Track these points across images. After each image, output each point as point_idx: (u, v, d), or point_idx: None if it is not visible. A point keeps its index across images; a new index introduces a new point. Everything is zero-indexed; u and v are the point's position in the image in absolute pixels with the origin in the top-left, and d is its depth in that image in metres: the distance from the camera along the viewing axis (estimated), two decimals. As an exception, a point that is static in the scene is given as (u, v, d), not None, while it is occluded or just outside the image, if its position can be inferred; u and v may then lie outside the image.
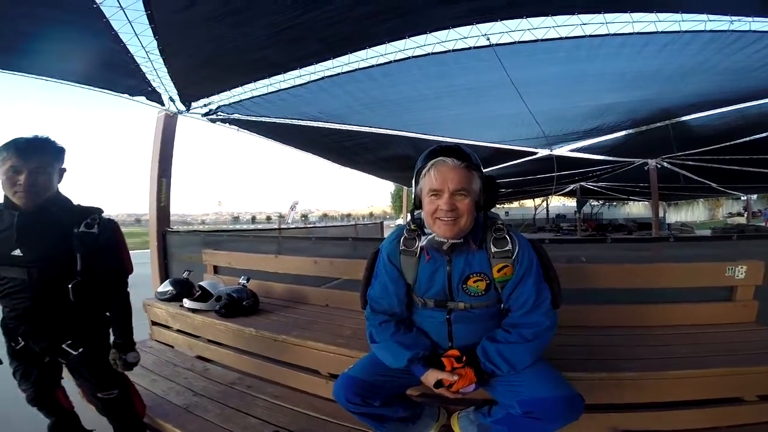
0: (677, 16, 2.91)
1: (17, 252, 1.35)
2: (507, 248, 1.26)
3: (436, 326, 1.34)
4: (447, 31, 3.13)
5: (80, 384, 1.59)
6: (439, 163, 1.21)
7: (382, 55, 3.53)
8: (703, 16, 2.91)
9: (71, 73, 3.78)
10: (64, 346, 1.47)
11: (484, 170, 1.27)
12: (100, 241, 1.45)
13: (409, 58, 3.52)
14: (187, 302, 2.54)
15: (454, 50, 3.37)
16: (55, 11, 2.82)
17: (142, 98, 4.24)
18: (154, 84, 4.02)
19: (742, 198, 20.26)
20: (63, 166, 1.47)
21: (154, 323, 2.87)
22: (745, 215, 21.70)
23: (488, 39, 3.18)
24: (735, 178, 10.14)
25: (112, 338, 1.56)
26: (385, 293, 1.38)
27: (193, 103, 4.57)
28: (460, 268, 1.27)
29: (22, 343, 1.46)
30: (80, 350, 1.48)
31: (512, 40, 3.22)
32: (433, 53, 3.42)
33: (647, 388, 1.46)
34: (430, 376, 1.24)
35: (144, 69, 3.71)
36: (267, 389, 2.01)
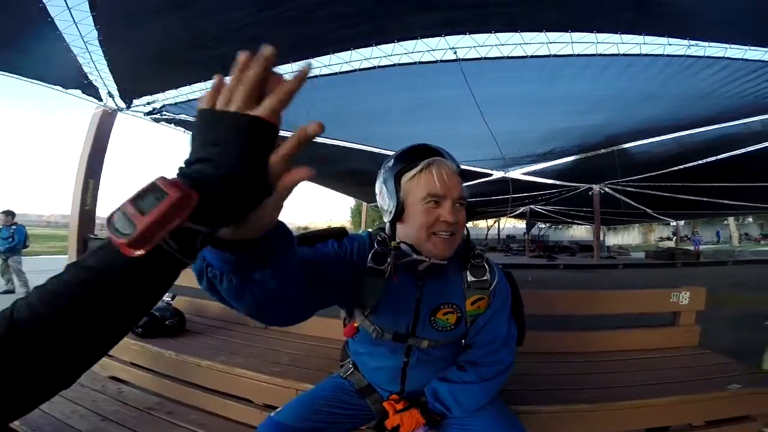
0: (639, 39, 3.04)
1: None
2: (485, 278, 1.06)
3: (388, 369, 1.13)
4: (415, 41, 3.09)
5: None
6: (439, 162, 0.96)
7: (346, 62, 3.44)
8: (664, 40, 3.07)
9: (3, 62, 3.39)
10: None
11: None
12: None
13: (374, 67, 3.44)
14: (100, 320, 2.21)
15: (421, 62, 3.34)
16: None
17: (78, 92, 3.89)
18: (91, 77, 3.69)
19: (672, 224, 22.33)
20: None
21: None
22: (674, 240, 23.94)
23: (455, 53, 3.18)
24: (666, 205, 11.12)
25: None
26: (316, 254, 0.94)
27: (135, 101, 4.22)
28: (433, 296, 1.04)
29: None
30: None
31: (479, 56, 3.24)
32: (399, 64, 3.37)
33: (601, 419, 1.41)
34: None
35: (81, 60, 3.41)
36: (191, 416, 1.74)
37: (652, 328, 1.97)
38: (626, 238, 38.12)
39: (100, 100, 4.01)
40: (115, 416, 1.72)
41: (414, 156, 0.99)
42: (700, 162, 6.52)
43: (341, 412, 1.14)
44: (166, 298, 2.30)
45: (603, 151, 6.17)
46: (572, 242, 25.90)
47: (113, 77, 3.72)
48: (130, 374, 2.11)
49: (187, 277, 1.78)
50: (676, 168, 6.89)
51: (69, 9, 2.71)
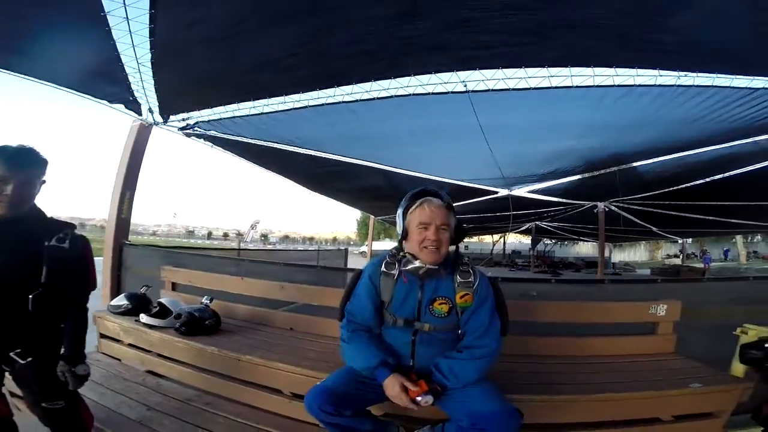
0: (632, 71, 3.34)
1: None
2: (470, 279, 1.51)
3: (402, 345, 1.52)
4: (429, 75, 3.43)
5: (24, 393, 1.54)
6: (428, 200, 1.49)
7: (366, 92, 3.76)
8: (655, 72, 3.36)
9: (56, 76, 3.71)
10: (11, 354, 1.44)
11: None
12: (69, 257, 1.46)
13: (392, 96, 3.77)
14: (144, 317, 2.48)
15: (434, 93, 3.67)
16: (59, 15, 2.81)
17: (121, 106, 4.20)
18: (136, 94, 4.00)
19: (679, 241, 22.38)
20: (44, 178, 1.48)
21: (102, 336, 2.74)
22: (681, 257, 23.93)
23: (465, 85, 3.52)
24: (672, 223, 11.20)
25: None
26: (360, 309, 1.58)
27: (171, 116, 4.55)
28: (430, 291, 1.50)
29: None
30: (29, 360, 1.45)
31: (486, 88, 3.57)
32: (414, 94, 3.70)
33: (580, 409, 1.66)
34: (391, 382, 1.39)
35: (131, 79, 3.71)
36: (227, 407, 1.99)
37: (633, 336, 2.22)
38: (633, 255, 37.85)
39: (140, 114, 4.32)
40: (160, 407, 1.97)
41: (417, 197, 1.52)
42: (705, 180, 6.68)
43: (369, 385, 1.47)
44: (205, 300, 2.58)
45: (606, 171, 6.42)
46: (578, 258, 25.95)
47: (157, 95, 3.99)
48: (167, 369, 2.36)
49: (221, 282, 2.14)
50: (680, 186, 7.05)
51: (131, 33, 2.99)
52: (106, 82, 3.71)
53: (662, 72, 3.39)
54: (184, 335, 2.33)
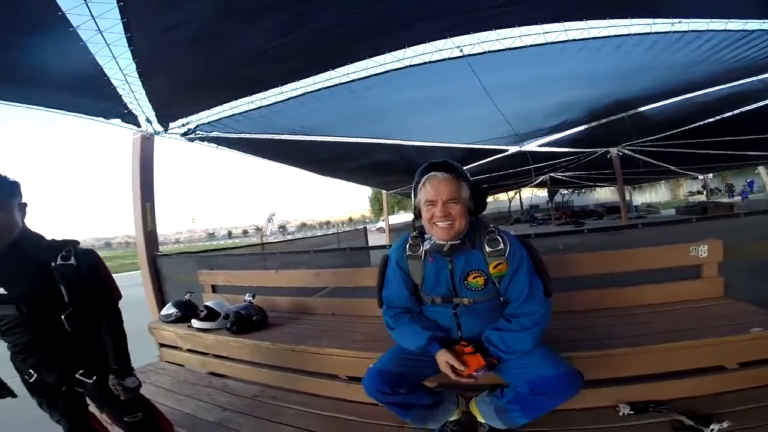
0: (626, 21, 3.22)
1: (1, 290, 1.37)
2: (500, 247, 1.45)
3: (445, 320, 1.52)
4: (424, 45, 3.32)
5: (104, 411, 1.60)
6: (431, 177, 1.42)
7: (362, 70, 3.67)
8: (649, 20, 3.24)
9: (47, 99, 3.69)
10: (77, 375, 1.49)
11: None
12: (81, 273, 1.45)
13: (388, 71, 3.68)
14: (195, 323, 2.59)
15: (430, 62, 3.56)
16: (27, 38, 2.75)
17: (118, 121, 4.13)
18: (130, 106, 3.94)
19: (699, 177, 21.71)
20: (22, 201, 1.44)
21: (162, 345, 2.90)
22: (705, 193, 23.28)
23: (461, 50, 3.40)
24: (691, 160, 10.89)
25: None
26: (396, 294, 1.58)
27: (170, 124, 4.53)
28: (461, 266, 1.47)
29: (35, 375, 1.47)
30: (94, 378, 1.50)
31: (482, 50, 3.46)
32: (411, 66, 3.60)
33: (636, 362, 1.64)
34: (443, 356, 1.41)
35: (121, 92, 3.64)
36: (292, 398, 2.09)
37: (677, 281, 2.13)
38: (654, 195, 36.90)
39: (139, 126, 4.30)
40: (232, 406, 2.08)
41: (423, 172, 1.45)
42: (717, 118, 6.45)
43: (422, 360, 1.49)
44: (248, 297, 2.66)
45: (614, 117, 6.24)
46: (598, 205, 25.43)
47: (151, 104, 3.93)
48: (228, 368, 2.48)
49: (257, 278, 2.21)
50: (693, 126, 6.84)
51: (108, 45, 2.89)
52: (97, 98, 3.65)
53: (656, 20, 3.28)
54: (236, 334, 2.42)
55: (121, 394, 1.47)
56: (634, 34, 3.39)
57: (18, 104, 3.65)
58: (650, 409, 1.57)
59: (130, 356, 1.56)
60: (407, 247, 1.54)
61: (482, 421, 1.58)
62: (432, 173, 1.42)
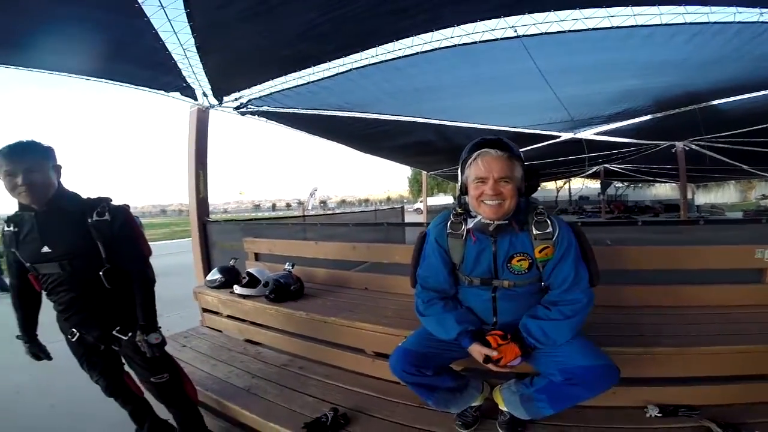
0: (706, 8, 2.89)
1: (46, 249, 1.45)
2: (548, 230, 1.38)
3: (481, 303, 1.48)
4: (474, 24, 3.17)
5: (135, 370, 1.68)
6: (484, 153, 1.35)
7: (408, 47, 3.59)
8: (732, 9, 2.88)
9: (111, 72, 3.95)
10: (114, 332, 1.57)
11: None
12: (114, 227, 1.51)
13: (435, 49, 3.57)
14: (237, 289, 2.73)
15: (481, 41, 3.41)
16: (96, 11, 2.93)
17: (177, 94, 4.36)
18: (189, 80, 4.14)
19: (776, 178, 19.40)
20: (57, 163, 1.52)
21: (204, 310, 3.05)
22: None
23: (515, 31, 3.21)
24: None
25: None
26: (433, 273, 1.52)
27: (224, 98, 4.72)
28: (505, 248, 1.40)
29: (77, 334, 1.57)
30: (129, 335, 1.57)
31: (539, 32, 3.24)
32: (460, 45, 3.47)
33: (680, 363, 1.55)
34: (476, 349, 1.38)
35: (181, 66, 3.83)
36: (317, 369, 2.17)
37: (736, 284, 1.98)
38: (720, 196, 33.56)
39: (196, 99, 4.52)
40: (262, 373, 2.19)
41: (475, 148, 1.38)
42: None
43: (451, 344, 1.47)
44: (288, 266, 2.77)
45: (684, 109, 5.66)
46: (655, 201, 23.73)
47: (208, 79, 4.13)
48: (263, 336, 2.59)
49: (297, 248, 2.27)
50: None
51: (170, 21, 3.06)
52: (158, 72, 3.85)
53: (740, 9, 2.89)
54: (273, 302, 2.51)
55: (146, 351, 1.53)
56: (715, 23, 3.02)
57: (83, 77, 3.93)
58: (680, 414, 1.50)
59: (156, 313, 1.61)
60: (448, 224, 1.48)
61: (504, 409, 1.56)
62: (485, 149, 1.35)
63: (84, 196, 1.58)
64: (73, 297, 1.52)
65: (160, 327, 1.62)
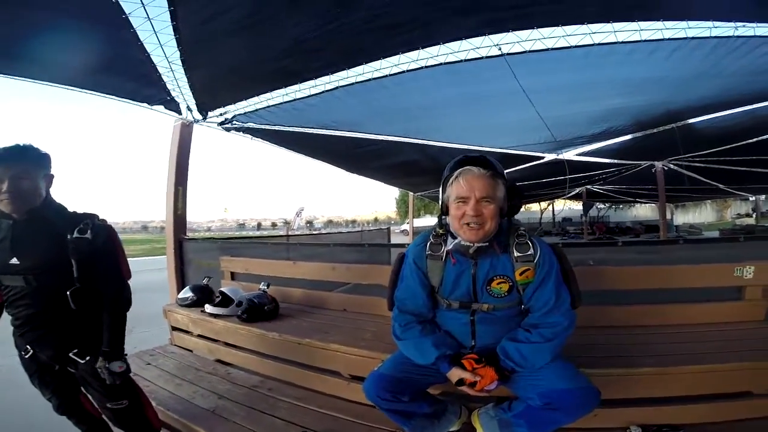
0: (683, 24, 2.99)
1: (14, 260, 1.37)
2: (529, 253, 1.33)
3: (459, 327, 1.42)
4: (460, 42, 3.22)
5: (91, 395, 1.57)
6: (466, 171, 1.30)
7: (395, 65, 3.62)
8: (709, 23, 2.98)
9: (94, 83, 3.87)
10: (70, 354, 1.46)
11: None
12: (94, 246, 1.43)
13: (421, 68, 3.61)
14: (208, 308, 2.63)
15: (466, 60, 3.46)
16: (82, 22, 2.88)
17: (161, 107, 4.30)
18: (173, 94, 4.08)
19: (751, 199, 20.15)
20: (49, 172, 1.46)
21: (174, 328, 2.93)
22: (754, 216, 21.61)
23: (500, 49, 3.27)
24: (743, 179, 10.09)
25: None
26: (410, 295, 1.46)
27: (209, 113, 4.67)
28: (485, 270, 1.35)
29: (30, 351, 1.47)
30: (87, 359, 1.46)
31: (523, 50, 3.30)
32: (446, 63, 3.51)
33: (662, 383, 1.52)
34: (455, 374, 1.31)
35: (165, 79, 3.77)
36: (289, 391, 2.07)
37: (716, 302, 1.99)
38: (698, 216, 34.66)
39: (180, 113, 4.45)
40: (229, 394, 2.08)
41: (457, 166, 1.33)
42: None
43: (428, 369, 1.40)
44: (263, 286, 2.67)
45: (663, 128, 5.83)
46: (635, 222, 24.28)
47: (192, 93, 4.07)
48: (234, 357, 2.49)
49: (274, 268, 2.19)
50: (751, 140, 6.29)
51: (156, 33, 3.01)
52: (143, 84, 3.79)
53: (716, 23, 3.00)
54: (246, 322, 2.43)
55: (106, 378, 1.44)
56: (693, 38, 3.13)
57: (66, 87, 3.84)
58: (663, 433, 1.44)
59: (124, 339, 1.52)
60: (427, 245, 1.43)
61: None
62: (467, 167, 1.30)
63: (71, 209, 1.51)
64: (32, 313, 1.43)
65: (126, 354, 1.52)
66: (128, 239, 33.17)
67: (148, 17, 2.87)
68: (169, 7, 2.75)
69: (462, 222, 1.30)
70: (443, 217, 1.40)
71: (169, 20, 2.89)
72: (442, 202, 1.39)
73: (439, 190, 1.40)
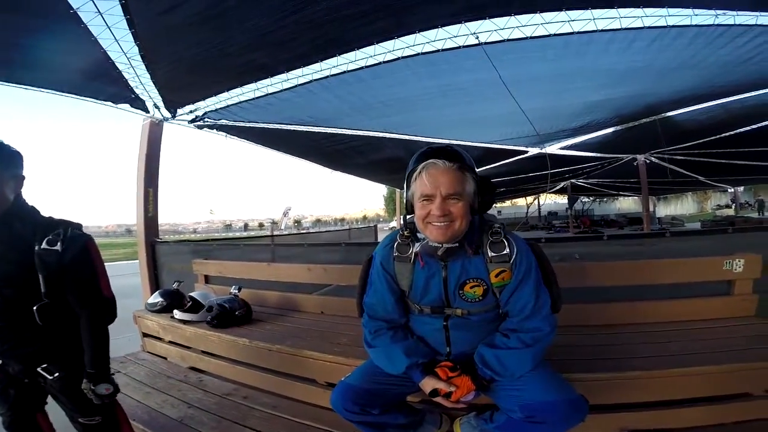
0: (663, 11, 2.95)
1: None
2: (504, 252, 1.20)
3: (433, 333, 1.31)
4: (436, 30, 3.11)
5: (62, 408, 1.45)
6: (429, 165, 1.14)
7: (371, 57, 3.50)
8: (689, 11, 2.94)
9: (55, 83, 3.68)
10: (39, 369, 1.34)
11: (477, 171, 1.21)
12: (64, 261, 1.25)
13: (398, 59, 3.49)
14: (177, 313, 2.47)
15: (443, 50, 3.35)
16: (33, 20, 2.74)
17: (126, 106, 4.13)
18: (137, 91, 3.92)
19: (729, 190, 20.70)
20: (20, 173, 1.29)
21: (145, 335, 2.79)
22: (733, 207, 22.21)
23: (477, 38, 3.17)
24: (722, 171, 10.31)
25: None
26: (380, 300, 1.34)
27: (178, 110, 4.48)
28: (456, 273, 1.22)
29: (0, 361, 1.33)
30: (56, 375, 1.35)
31: (501, 38, 3.21)
32: (422, 53, 3.40)
33: (653, 386, 1.43)
34: (428, 384, 1.21)
35: (126, 76, 3.61)
36: (263, 399, 1.94)
37: (705, 297, 1.92)
38: (679, 207, 35.50)
39: (147, 111, 4.25)
40: (200, 404, 1.95)
41: (421, 159, 1.17)
42: (754, 127, 6.01)
43: (401, 378, 1.28)
44: (233, 290, 2.52)
45: (644, 120, 5.85)
46: (619, 215, 24.70)
47: (157, 89, 3.91)
48: (207, 364, 2.34)
49: (249, 270, 2.02)
50: (729, 134, 6.40)
51: (109, 28, 2.85)
52: (104, 82, 3.62)
53: (697, 11, 2.95)
54: (216, 328, 2.30)
55: (93, 400, 1.32)
56: (672, 26, 3.08)
57: (26, 87, 3.64)
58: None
59: (109, 359, 1.38)
60: (395, 246, 1.29)
61: None
62: (431, 161, 1.14)
63: (47, 215, 1.33)
64: None
65: (113, 374, 1.38)
66: (107, 243, 32.43)
67: (99, 11, 2.71)
68: (120, 1, 2.59)
69: (427, 221, 1.16)
70: (409, 216, 1.26)
71: (122, 14, 2.73)
72: (406, 200, 1.23)
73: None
